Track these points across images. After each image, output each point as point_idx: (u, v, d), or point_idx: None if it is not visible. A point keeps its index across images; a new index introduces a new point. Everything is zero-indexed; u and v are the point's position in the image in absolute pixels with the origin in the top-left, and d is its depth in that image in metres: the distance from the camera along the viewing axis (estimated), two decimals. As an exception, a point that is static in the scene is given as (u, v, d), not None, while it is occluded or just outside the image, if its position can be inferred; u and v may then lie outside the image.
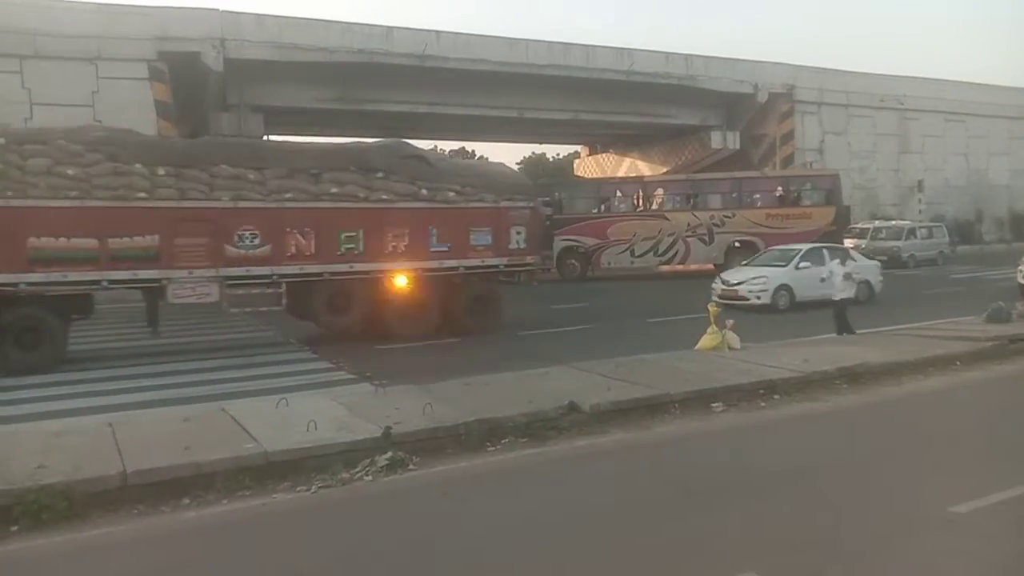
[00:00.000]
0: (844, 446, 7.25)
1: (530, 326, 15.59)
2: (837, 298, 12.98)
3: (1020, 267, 18.74)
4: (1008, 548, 4.87)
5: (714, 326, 11.39)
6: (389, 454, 6.56)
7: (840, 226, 27.66)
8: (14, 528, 5.34)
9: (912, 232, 30.52)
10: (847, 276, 13.08)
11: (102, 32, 24.37)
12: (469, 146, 60.13)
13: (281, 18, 28.02)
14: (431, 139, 56.18)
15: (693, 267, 28.00)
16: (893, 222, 32.38)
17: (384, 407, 7.75)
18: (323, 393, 9.16)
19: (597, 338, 14.09)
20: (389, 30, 29.66)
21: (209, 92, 27.34)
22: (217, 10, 26.60)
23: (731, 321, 11.70)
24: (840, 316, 12.86)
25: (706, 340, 11.35)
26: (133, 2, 26.12)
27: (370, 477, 6.33)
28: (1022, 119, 44.96)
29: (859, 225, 31.42)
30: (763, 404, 8.64)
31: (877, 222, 32.17)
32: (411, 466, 6.55)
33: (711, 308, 11.60)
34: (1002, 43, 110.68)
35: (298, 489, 6.15)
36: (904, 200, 40.38)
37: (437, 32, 30.59)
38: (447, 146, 60.11)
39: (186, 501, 5.90)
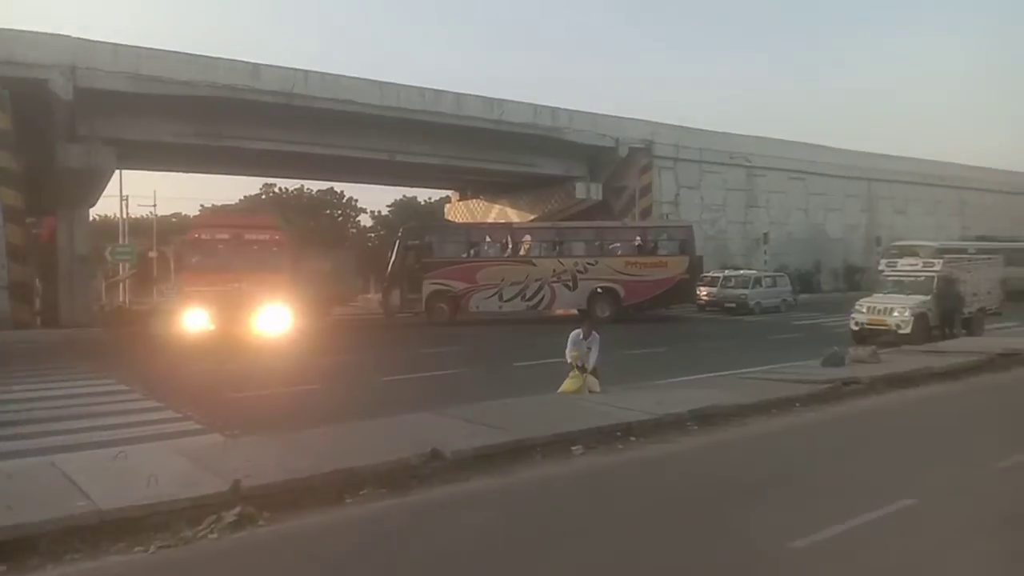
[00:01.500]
0: (694, 485, 7.55)
1: (397, 371, 15.39)
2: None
3: (853, 315, 20.38)
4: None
5: (576, 370, 11.66)
6: (237, 509, 6.21)
7: (693, 275, 29.28)
8: None
9: (758, 281, 32.68)
10: None
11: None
12: (338, 187, 59.34)
13: (140, 49, 26.84)
14: (298, 179, 55.14)
15: (560, 312, 28.72)
16: (741, 271, 34.63)
17: (234, 459, 7.36)
18: (167, 445, 8.59)
19: (464, 383, 14.09)
20: (256, 67, 29.04)
21: (56, 122, 25.58)
22: (69, 36, 25.16)
23: (593, 366, 11.96)
24: None
25: (568, 384, 11.59)
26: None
27: (216, 535, 5.97)
28: (854, 178, 49.61)
29: (711, 274, 33.37)
30: (620, 446, 8.87)
31: (727, 271, 34.34)
32: (261, 522, 6.22)
33: (571, 354, 11.85)
34: (839, 108, 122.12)
35: (135, 550, 5.69)
36: (751, 251, 43.33)
37: (306, 71, 30.25)
38: (315, 186, 59.16)
39: (2, 568, 5.33)
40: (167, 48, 27.68)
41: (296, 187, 58.78)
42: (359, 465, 7.26)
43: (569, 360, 11.65)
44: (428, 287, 27.42)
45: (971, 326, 20.45)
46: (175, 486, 6.52)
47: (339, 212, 62.61)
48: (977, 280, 21.60)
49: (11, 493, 6.24)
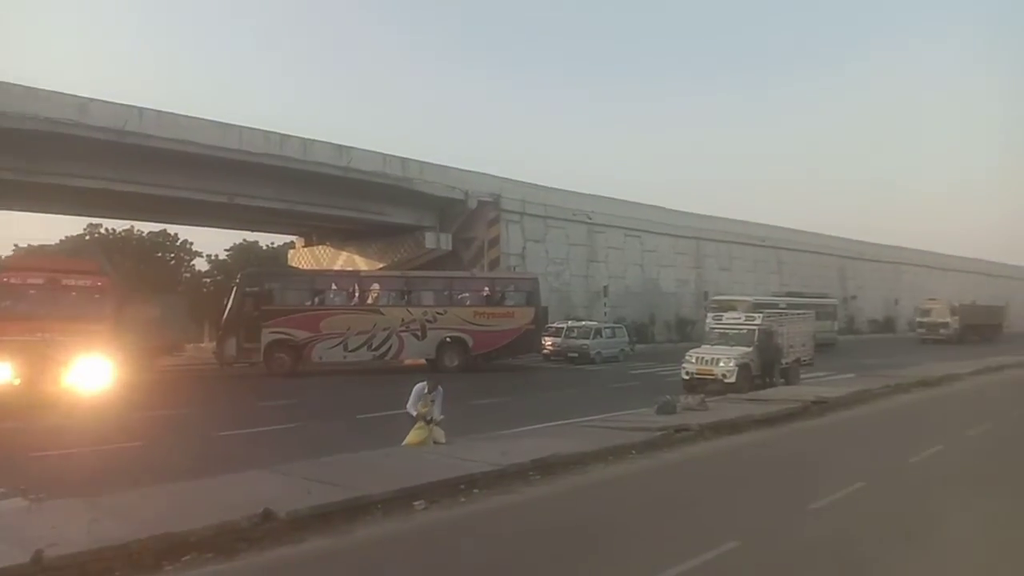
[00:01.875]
0: (533, 536, 7.62)
1: (230, 425, 14.55)
2: None
3: (683, 365, 21.58)
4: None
5: (422, 422, 11.54)
6: (39, 583, 5.61)
7: (539, 325, 30.02)
8: None
9: (599, 332, 33.96)
10: None
11: None
12: (172, 229, 56.12)
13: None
14: (129, 219, 51.76)
15: (408, 362, 28.44)
16: (583, 322, 35.92)
17: (38, 526, 6.65)
18: (-41, 513, 7.64)
19: (304, 437, 13.56)
20: (86, 102, 27.22)
21: None
22: None
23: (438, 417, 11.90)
24: None
25: (413, 436, 11.44)
26: None
27: (11, 614, 5.35)
28: (684, 237, 53.16)
29: (555, 324, 34.36)
30: (463, 499, 8.83)
31: (570, 322, 35.50)
32: (67, 596, 5.65)
33: (417, 407, 11.73)
34: (672, 167, 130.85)
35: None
36: (592, 303, 45.15)
37: (140, 108, 28.74)
38: (146, 227, 55.64)
39: None
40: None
41: (125, 228, 55.09)
42: (182, 529, 6.77)
43: (414, 413, 11.53)
44: (268, 336, 26.28)
45: (788, 375, 22.17)
46: (-38, 561, 5.79)
47: (172, 255, 59.12)
48: (793, 333, 23.55)
49: None
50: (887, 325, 70.61)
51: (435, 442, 11.40)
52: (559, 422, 14.04)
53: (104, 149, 27.28)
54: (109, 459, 11.29)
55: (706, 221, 55.87)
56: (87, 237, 45.33)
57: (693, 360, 21.37)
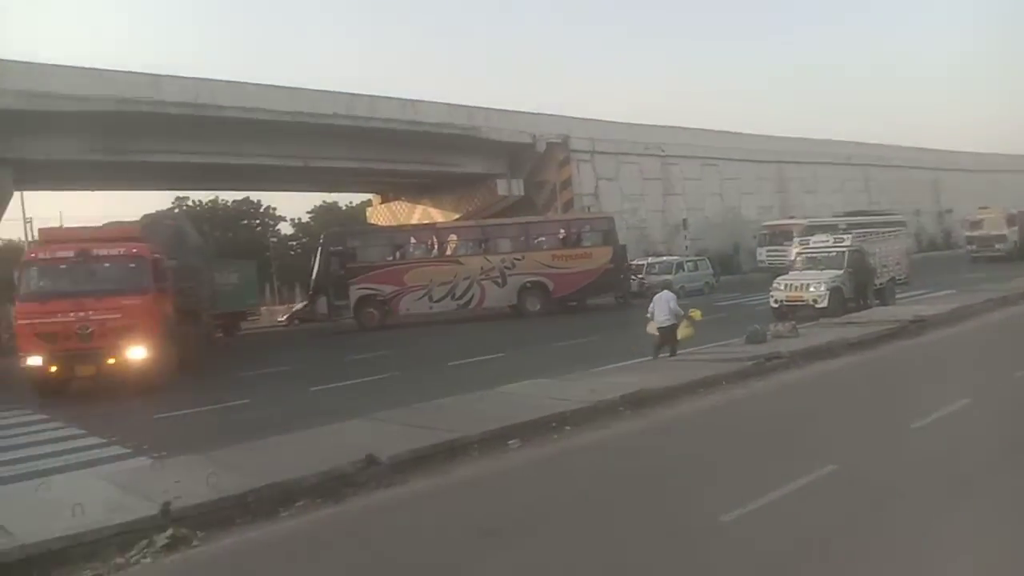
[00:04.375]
0: (629, 468, 7.70)
1: (326, 380, 15.14)
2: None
3: (771, 293, 21.07)
4: (770, 550, 5.38)
5: (685, 320, 13.70)
6: (169, 532, 6.03)
7: (618, 264, 29.72)
8: None
9: (681, 266, 33.46)
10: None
11: None
12: (254, 196, 57.89)
13: (30, 64, 25.54)
14: (212, 190, 53.53)
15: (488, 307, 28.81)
16: (664, 258, 35.42)
17: (163, 481, 7.13)
18: (92, 472, 8.29)
19: (397, 386, 13.99)
20: (156, 78, 28.08)
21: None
22: (-50, 55, 23.78)
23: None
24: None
25: (684, 331, 13.74)
26: None
27: (148, 559, 5.78)
28: (764, 162, 51.28)
29: (635, 262, 33.96)
30: (556, 436, 8.98)
31: (650, 258, 35.01)
32: (195, 542, 6.06)
33: (675, 311, 13.65)
34: (749, 95, 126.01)
35: (63, 583, 5.48)
36: (671, 237, 44.35)
37: (211, 81, 29.42)
38: (229, 196, 57.52)
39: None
40: (61, 63, 26.50)
41: (210, 199, 57.10)
42: (292, 478, 7.13)
43: (664, 317, 13.68)
44: (356, 292, 27.09)
45: (883, 296, 21.38)
46: (102, 513, 6.27)
47: (257, 222, 61.06)
48: (885, 252, 22.62)
49: (-81, 538, 5.90)
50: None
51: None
52: (646, 358, 14.00)
53: (181, 123, 28.16)
54: (219, 416, 11.96)
55: (788, 144, 53.54)
56: (175, 210, 47.21)
57: (782, 287, 20.82)
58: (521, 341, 20.73)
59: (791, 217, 43.97)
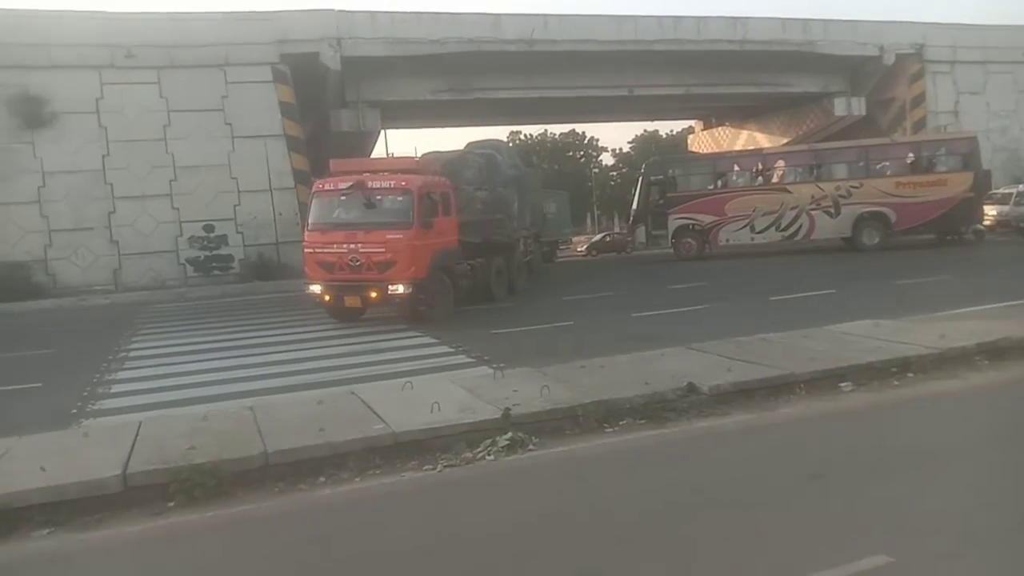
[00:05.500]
0: (982, 425, 6.84)
1: (644, 307, 15.44)
2: None
3: None
4: None
5: None
6: (509, 435, 6.73)
7: (979, 192, 25.75)
8: (171, 504, 5.84)
9: (1061, 195, 27.92)
10: None
11: (229, 40, 25.89)
12: (579, 128, 59.86)
13: (393, 14, 28.83)
14: (541, 123, 56.42)
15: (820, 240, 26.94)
16: (1038, 185, 29.72)
17: (502, 389, 7.93)
18: (445, 376, 9.43)
19: (715, 318, 13.78)
20: (497, 17, 29.98)
21: (328, 90, 28.52)
22: (333, 10, 27.64)
23: None
24: None
25: None
26: (255, 8, 27.53)
27: (492, 457, 6.53)
28: None
29: (1000, 190, 29.02)
30: (896, 383, 8.23)
31: (1021, 187, 29.60)
32: (531, 446, 6.69)
33: None
34: None
35: (425, 468, 6.42)
36: (1052, 160, 37.05)
37: (545, 16, 30.64)
38: (557, 129, 60.12)
39: (322, 479, 6.27)
40: (415, 10, 29.46)
41: (540, 132, 60.20)
42: (616, 397, 7.48)
43: None
44: (674, 222, 26.97)
45: None
46: (454, 412, 7.18)
47: (581, 153, 63.24)
48: None
49: (322, 417, 7.27)
50: None
51: None
52: (1013, 302, 12.09)
53: (516, 60, 29.87)
54: (547, 335, 12.86)
55: None
56: (510, 144, 50.63)
57: None
58: (855, 276, 19.13)
59: None
